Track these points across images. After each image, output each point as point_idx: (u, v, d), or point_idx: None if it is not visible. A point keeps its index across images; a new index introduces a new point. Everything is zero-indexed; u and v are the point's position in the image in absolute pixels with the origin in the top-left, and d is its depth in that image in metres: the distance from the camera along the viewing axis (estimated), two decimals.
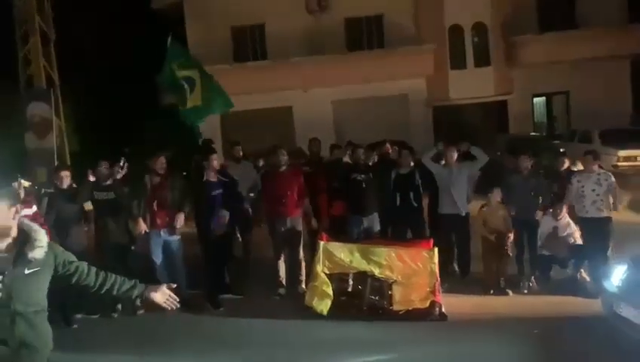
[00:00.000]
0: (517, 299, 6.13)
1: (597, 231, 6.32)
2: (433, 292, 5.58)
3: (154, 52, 19.76)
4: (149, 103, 18.74)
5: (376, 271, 5.64)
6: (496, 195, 6.62)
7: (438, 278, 5.68)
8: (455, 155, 6.80)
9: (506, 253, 6.40)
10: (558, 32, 17.36)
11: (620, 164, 12.49)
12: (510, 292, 6.26)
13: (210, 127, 17.41)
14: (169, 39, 7.62)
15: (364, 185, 6.54)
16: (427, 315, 5.50)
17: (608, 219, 6.39)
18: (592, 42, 16.80)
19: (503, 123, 18.41)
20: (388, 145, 7.89)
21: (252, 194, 7.41)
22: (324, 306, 5.58)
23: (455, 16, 18.16)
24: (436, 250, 5.79)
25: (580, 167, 6.96)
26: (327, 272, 5.71)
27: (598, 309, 5.18)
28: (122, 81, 20.20)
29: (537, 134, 17.70)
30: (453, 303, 5.75)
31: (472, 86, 17.96)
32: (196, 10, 18.20)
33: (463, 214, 6.69)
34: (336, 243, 5.87)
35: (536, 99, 18.97)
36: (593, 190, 6.34)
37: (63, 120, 15.38)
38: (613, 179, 6.41)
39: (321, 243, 5.85)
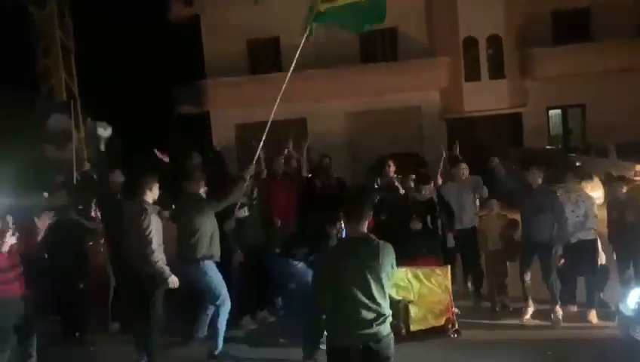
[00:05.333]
0: (530, 320, 6.03)
1: (584, 254, 5.95)
2: (447, 309, 5.59)
3: (170, 64, 20.23)
4: (165, 114, 19.07)
5: (394, 293, 5.55)
6: (494, 205, 6.52)
7: (451, 295, 5.68)
8: (466, 172, 6.70)
9: (504, 267, 6.34)
10: (572, 45, 17.34)
11: (636, 178, 12.38)
12: (511, 307, 6.21)
13: (225, 136, 17.72)
14: None
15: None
16: (443, 333, 5.50)
17: (593, 241, 6.03)
18: (606, 55, 16.75)
19: (517, 136, 18.35)
20: (391, 165, 7.29)
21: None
22: None
23: (469, 29, 18.20)
24: (449, 267, 5.81)
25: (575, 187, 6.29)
26: None
27: (614, 332, 5.13)
28: (139, 93, 20.55)
29: (553, 147, 17.60)
30: (465, 324, 5.73)
31: (486, 98, 17.94)
32: (213, 23, 18.50)
33: (469, 227, 6.61)
34: None
35: (551, 112, 18.90)
36: (572, 211, 5.94)
37: (83, 131, 15.66)
38: (592, 199, 6.13)
39: None
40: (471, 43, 18.39)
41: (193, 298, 5.68)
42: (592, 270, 6.00)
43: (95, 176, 8.08)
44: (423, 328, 5.51)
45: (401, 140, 16.47)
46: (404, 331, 5.46)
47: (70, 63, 15.69)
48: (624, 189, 6.32)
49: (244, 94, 17.35)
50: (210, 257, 5.41)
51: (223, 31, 18.20)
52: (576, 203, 6.00)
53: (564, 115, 19.07)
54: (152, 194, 5.17)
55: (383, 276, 3.19)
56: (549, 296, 5.96)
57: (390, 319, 3.25)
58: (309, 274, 4.48)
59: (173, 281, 5.03)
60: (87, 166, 10.15)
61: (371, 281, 3.15)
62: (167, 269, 5.04)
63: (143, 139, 20.13)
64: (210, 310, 5.55)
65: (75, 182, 10.81)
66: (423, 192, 6.29)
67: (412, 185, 6.58)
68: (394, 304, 5.38)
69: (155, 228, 5.02)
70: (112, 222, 5.89)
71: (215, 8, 18.30)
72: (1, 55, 17.02)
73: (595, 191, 10.77)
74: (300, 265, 5.34)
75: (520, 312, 6.10)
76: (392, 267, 3.27)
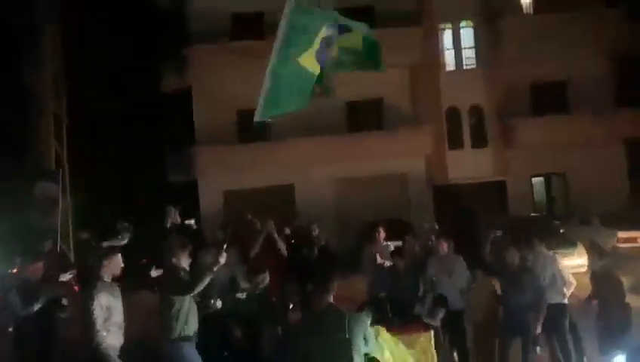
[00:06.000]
0: None
1: (552, 319, 5.76)
2: None
3: (162, 130, 20.55)
4: (157, 181, 19.20)
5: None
6: (479, 276, 6.35)
7: (435, 359, 5.55)
8: (445, 247, 6.50)
9: (490, 345, 5.98)
10: (550, 116, 18.01)
11: (620, 245, 12.50)
12: None
13: (213, 202, 17.76)
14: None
15: None
16: None
17: (562, 305, 5.91)
18: (583, 126, 17.38)
19: (502, 203, 18.62)
20: (381, 231, 7.58)
21: None
22: None
23: (452, 99, 18.86)
24: (432, 332, 5.71)
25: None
26: None
27: None
28: (132, 159, 20.77)
29: (537, 215, 17.81)
30: None
31: (470, 166, 18.33)
32: (203, 94, 19.01)
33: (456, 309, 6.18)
34: None
35: (534, 180, 19.29)
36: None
37: (69, 199, 15.60)
38: (559, 263, 6.01)
39: None
40: (454, 112, 19.03)
41: None
42: (562, 336, 5.84)
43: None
44: None
45: (388, 206, 16.63)
46: None
47: (61, 132, 15.87)
48: (601, 261, 6.12)
49: (232, 162, 17.58)
50: (185, 339, 4.89)
51: (213, 101, 18.68)
52: (543, 265, 5.92)
53: (548, 183, 19.48)
54: (108, 269, 4.68)
55: (354, 350, 2.97)
56: None
57: None
58: None
59: None
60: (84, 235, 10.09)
61: (340, 357, 2.93)
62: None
63: (134, 205, 20.23)
64: None
65: (58, 250, 10.67)
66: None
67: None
68: None
69: (107, 307, 4.53)
70: None
71: (206, 80, 18.88)
72: None
73: (580, 259, 10.91)
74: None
75: None
76: (365, 338, 3.04)
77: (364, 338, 3.02)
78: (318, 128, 17.88)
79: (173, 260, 5.07)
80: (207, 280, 4.84)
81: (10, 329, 5.60)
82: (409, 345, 5.53)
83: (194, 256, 5.51)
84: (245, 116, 19.26)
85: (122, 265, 4.92)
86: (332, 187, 18.45)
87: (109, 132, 21.15)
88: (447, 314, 6.11)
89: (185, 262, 5.11)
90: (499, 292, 6.20)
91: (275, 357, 4.75)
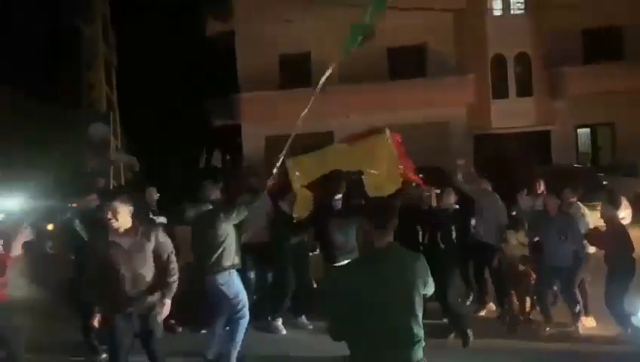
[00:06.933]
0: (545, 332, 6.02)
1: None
2: (404, 173, 5.55)
3: (206, 77, 20.95)
4: (200, 126, 19.78)
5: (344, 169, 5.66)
6: (510, 237, 6.45)
7: (403, 158, 5.71)
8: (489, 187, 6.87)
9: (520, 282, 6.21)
10: (602, 64, 17.28)
11: None
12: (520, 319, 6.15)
13: (255, 148, 18.22)
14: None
15: None
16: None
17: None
18: (637, 75, 16.62)
19: (546, 153, 18.29)
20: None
21: None
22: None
23: (498, 46, 18.34)
24: (387, 130, 5.85)
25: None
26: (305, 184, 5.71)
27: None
28: (176, 104, 21.36)
29: (581, 166, 17.46)
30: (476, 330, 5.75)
31: (514, 116, 17.99)
32: (246, 38, 19.11)
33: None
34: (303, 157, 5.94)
35: (580, 131, 18.79)
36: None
37: (120, 140, 16.41)
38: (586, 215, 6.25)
39: (290, 159, 5.80)
40: (499, 60, 18.50)
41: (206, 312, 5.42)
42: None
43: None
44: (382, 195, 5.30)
45: (429, 155, 16.64)
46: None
47: (111, 76, 16.51)
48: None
49: (275, 108, 17.84)
50: (230, 267, 5.19)
51: (256, 46, 18.78)
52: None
53: (594, 134, 18.94)
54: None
55: (416, 295, 2.78)
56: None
57: (423, 344, 2.81)
58: None
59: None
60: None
61: (403, 302, 2.75)
62: None
63: (178, 149, 21.02)
64: (221, 328, 5.30)
65: (111, 188, 11.41)
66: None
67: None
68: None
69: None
70: None
71: (249, 24, 18.94)
72: (46, 67, 18.00)
73: (623, 211, 10.81)
74: None
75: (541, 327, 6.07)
76: (425, 284, 2.85)
77: (424, 283, 2.85)
78: (358, 75, 17.81)
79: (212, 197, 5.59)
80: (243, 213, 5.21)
81: (72, 257, 5.76)
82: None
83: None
84: (287, 61, 19.39)
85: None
86: None
87: (156, 76, 21.71)
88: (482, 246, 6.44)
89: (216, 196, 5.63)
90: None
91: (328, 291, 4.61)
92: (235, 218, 5.21)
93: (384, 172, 5.52)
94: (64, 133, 15.19)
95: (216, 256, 5.11)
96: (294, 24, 18.39)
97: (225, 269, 5.14)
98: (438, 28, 17.73)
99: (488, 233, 6.55)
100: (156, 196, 7.03)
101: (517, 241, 6.43)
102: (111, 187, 12.13)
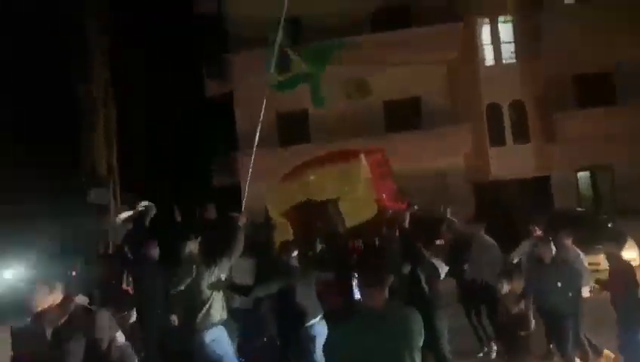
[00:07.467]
0: None
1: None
2: (378, 199, 5.47)
3: (207, 134, 21.19)
4: (202, 184, 19.84)
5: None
6: (504, 286, 6.42)
7: (381, 181, 5.67)
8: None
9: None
10: (596, 108, 17.50)
11: None
12: None
13: (256, 205, 18.15)
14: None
15: None
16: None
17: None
18: (632, 117, 16.81)
19: (547, 199, 18.20)
20: None
21: None
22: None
23: (492, 95, 18.62)
24: (362, 156, 5.82)
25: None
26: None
27: None
28: (178, 165, 21.52)
29: (584, 210, 17.34)
30: None
31: (512, 163, 18.04)
32: (244, 98, 19.48)
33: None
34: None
35: (580, 174, 18.79)
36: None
37: (119, 202, 16.38)
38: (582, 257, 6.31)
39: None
40: (494, 109, 18.74)
41: None
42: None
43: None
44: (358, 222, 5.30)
45: (428, 206, 16.53)
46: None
47: (111, 141, 16.66)
48: None
49: (274, 165, 17.89)
50: (219, 322, 5.06)
51: (253, 105, 19.04)
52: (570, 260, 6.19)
53: (593, 177, 18.93)
54: None
55: (415, 353, 2.74)
56: None
57: None
58: None
59: None
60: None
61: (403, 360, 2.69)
62: None
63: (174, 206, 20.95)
64: None
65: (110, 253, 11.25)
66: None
67: None
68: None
69: None
70: None
71: (247, 84, 19.34)
72: (46, 129, 18.34)
73: (631, 252, 10.61)
74: None
75: None
76: (422, 338, 2.80)
77: (421, 336, 2.79)
78: (355, 129, 18.02)
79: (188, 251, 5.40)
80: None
81: None
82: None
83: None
84: (284, 119, 19.66)
85: None
86: None
87: (156, 139, 21.98)
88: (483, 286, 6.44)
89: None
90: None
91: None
92: (218, 272, 5.17)
93: (360, 197, 5.54)
94: (65, 197, 15.26)
95: (202, 313, 5.00)
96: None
97: (214, 325, 5.04)
98: (432, 80, 18.10)
99: (479, 277, 6.64)
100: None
101: (508, 289, 6.43)
102: (111, 249, 12.02)
